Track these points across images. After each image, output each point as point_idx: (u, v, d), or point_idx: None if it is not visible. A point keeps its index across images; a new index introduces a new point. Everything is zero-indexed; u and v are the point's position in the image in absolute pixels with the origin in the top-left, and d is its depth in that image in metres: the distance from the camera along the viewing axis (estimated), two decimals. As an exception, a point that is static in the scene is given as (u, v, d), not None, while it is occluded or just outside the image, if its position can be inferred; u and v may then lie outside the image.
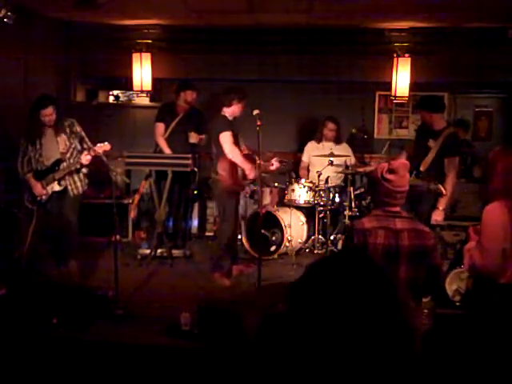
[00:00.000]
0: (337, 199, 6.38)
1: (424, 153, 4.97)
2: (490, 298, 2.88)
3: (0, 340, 3.55)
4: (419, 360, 1.07)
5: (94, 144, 5.07)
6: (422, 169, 4.93)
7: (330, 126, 6.61)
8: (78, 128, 5.18)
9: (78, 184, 5.20)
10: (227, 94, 5.25)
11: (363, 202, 6.25)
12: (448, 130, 5.01)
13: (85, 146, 5.17)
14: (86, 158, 5.03)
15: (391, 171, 2.87)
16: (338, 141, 6.66)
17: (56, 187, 5.11)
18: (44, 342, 3.68)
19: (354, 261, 1.09)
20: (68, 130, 5.12)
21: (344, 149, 6.68)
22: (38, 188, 5.07)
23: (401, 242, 2.82)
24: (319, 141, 6.72)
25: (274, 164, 5.50)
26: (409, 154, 5.29)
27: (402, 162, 3.08)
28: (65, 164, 5.09)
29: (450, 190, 4.83)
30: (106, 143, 4.98)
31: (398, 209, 2.90)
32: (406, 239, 2.82)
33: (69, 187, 5.15)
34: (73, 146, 5.13)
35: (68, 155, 5.11)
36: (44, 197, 5.11)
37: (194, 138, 6.18)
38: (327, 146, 6.60)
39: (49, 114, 4.98)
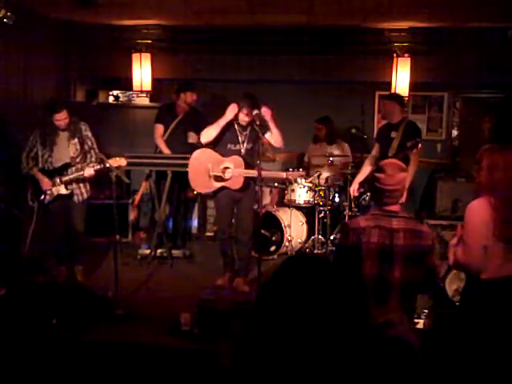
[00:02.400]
0: (337, 199, 6.40)
1: (389, 143, 5.47)
2: (474, 294, 2.90)
3: (0, 340, 3.55)
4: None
5: (99, 146, 5.10)
6: (390, 155, 5.36)
7: (317, 126, 6.73)
8: (88, 132, 5.19)
9: (83, 190, 5.21)
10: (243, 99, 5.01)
11: (363, 202, 6.25)
12: (406, 120, 5.62)
13: (92, 153, 5.16)
14: (88, 173, 5.04)
15: (379, 170, 2.90)
16: (329, 141, 6.70)
17: (63, 190, 5.10)
18: (44, 342, 3.68)
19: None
20: (79, 134, 5.12)
21: (341, 149, 6.70)
22: (45, 182, 5.04)
23: (396, 242, 2.82)
24: (316, 142, 6.82)
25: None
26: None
27: (390, 160, 3.11)
28: (73, 169, 5.09)
29: (413, 169, 5.24)
30: (123, 159, 4.91)
31: (395, 208, 2.90)
32: (402, 239, 2.82)
33: (75, 191, 5.16)
34: (83, 150, 5.15)
35: (77, 160, 5.12)
36: (48, 196, 5.08)
37: (192, 138, 6.18)
38: (324, 147, 6.68)
39: (62, 118, 4.99)
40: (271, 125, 5.09)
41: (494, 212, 2.77)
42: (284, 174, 5.53)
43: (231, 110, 5.01)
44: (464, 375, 2.79)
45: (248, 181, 5.13)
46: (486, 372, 2.73)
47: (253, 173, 5.06)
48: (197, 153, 5.28)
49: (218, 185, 5.14)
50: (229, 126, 5.10)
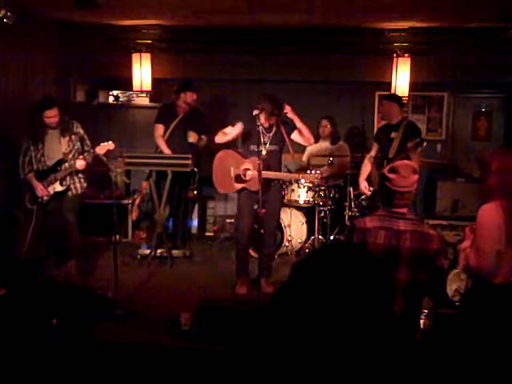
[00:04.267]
0: (337, 199, 6.40)
1: (390, 144, 5.45)
2: (485, 298, 2.88)
3: (0, 341, 3.55)
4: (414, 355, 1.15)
5: (95, 145, 5.08)
6: (390, 156, 5.35)
7: (324, 122, 6.67)
8: (79, 129, 5.20)
9: (78, 185, 5.22)
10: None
11: (363, 202, 6.25)
12: (406, 120, 5.62)
13: (86, 147, 5.18)
14: (79, 164, 5.07)
15: (392, 170, 2.86)
16: (333, 141, 6.68)
17: (58, 187, 5.12)
18: (44, 342, 3.68)
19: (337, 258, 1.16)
20: (71, 131, 5.13)
21: (341, 149, 6.70)
22: (39, 189, 5.08)
23: (402, 244, 2.80)
24: (317, 141, 6.77)
25: None
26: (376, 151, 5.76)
27: (405, 162, 3.04)
28: (67, 164, 5.10)
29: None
30: (110, 142, 4.96)
31: (403, 210, 2.85)
32: (408, 241, 2.80)
33: (70, 186, 5.17)
34: (75, 147, 5.15)
35: (70, 156, 5.13)
36: (45, 197, 5.11)
37: (192, 137, 6.17)
38: (325, 147, 6.65)
39: (53, 115, 4.99)
40: (297, 123, 4.99)
41: (506, 215, 2.75)
42: (299, 176, 5.49)
43: (237, 128, 5.03)
44: (468, 377, 2.77)
45: (270, 183, 5.04)
46: (495, 376, 2.70)
47: (272, 175, 5.01)
48: (220, 153, 5.26)
49: (239, 186, 5.11)
50: (253, 126, 4.92)
